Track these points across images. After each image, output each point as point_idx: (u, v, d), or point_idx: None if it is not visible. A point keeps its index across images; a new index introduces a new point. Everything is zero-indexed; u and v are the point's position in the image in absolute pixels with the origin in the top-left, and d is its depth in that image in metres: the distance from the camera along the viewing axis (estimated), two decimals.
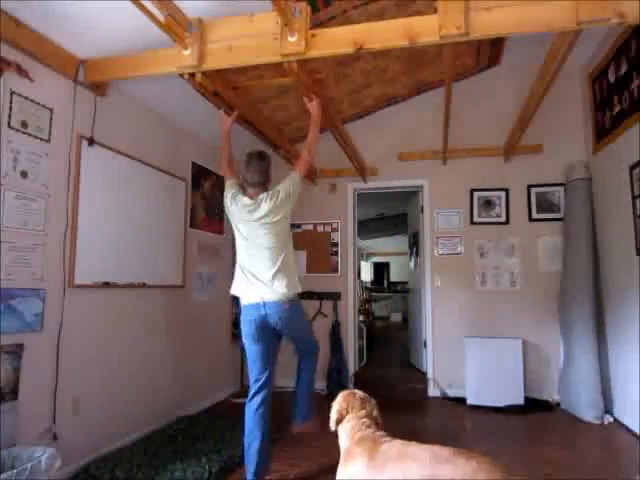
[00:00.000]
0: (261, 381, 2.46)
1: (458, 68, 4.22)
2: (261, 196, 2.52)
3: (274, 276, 2.44)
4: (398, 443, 1.66)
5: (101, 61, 2.73)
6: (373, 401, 1.99)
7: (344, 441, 1.82)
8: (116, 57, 2.70)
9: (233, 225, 2.62)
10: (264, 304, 2.42)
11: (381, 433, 1.76)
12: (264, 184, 2.61)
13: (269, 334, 2.49)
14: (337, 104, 4.31)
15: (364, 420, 1.83)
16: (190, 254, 4.01)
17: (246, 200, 2.53)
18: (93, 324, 2.88)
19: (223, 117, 3.02)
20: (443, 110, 3.64)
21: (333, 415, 1.92)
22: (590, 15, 2.02)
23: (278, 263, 2.46)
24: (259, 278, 2.45)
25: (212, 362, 4.35)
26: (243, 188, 2.66)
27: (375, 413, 1.91)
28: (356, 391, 2.02)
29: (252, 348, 2.49)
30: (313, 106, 2.91)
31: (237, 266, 2.58)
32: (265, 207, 2.47)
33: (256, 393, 2.45)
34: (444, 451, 1.52)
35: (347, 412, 1.89)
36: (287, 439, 3.30)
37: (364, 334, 5.91)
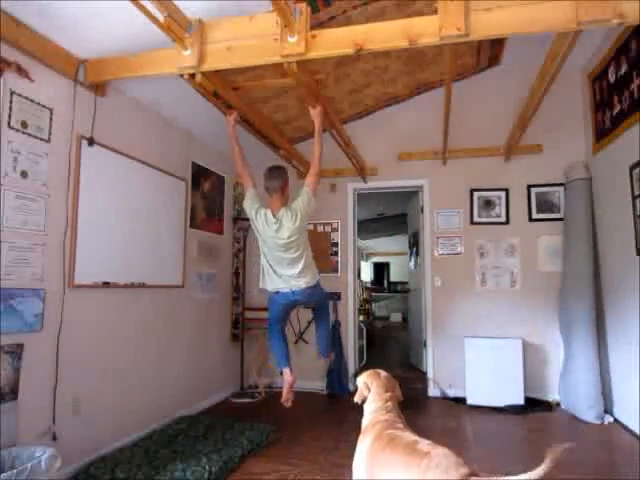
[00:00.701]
0: (280, 327, 3.20)
1: (458, 68, 4.22)
2: (281, 213, 2.88)
3: (299, 274, 2.94)
4: (405, 435, 1.72)
5: (101, 61, 2.73)
6: (395, 381, 2.13)
7: (365, 419, 1.97)
8: (116, 57, 2.70)
9: (257, 234, 3.00)
10: (293, 292, 2.97)
11: (397, 419, 1.89)
12: (283, 191, 2.97)
13: (289, 311, 3.23)
14: (337, 104, 4.31)
15: (387, 405, 1.96)
16: (190, 254, 4.01)
17: (270, 217, 2.89)
18: (93, 324, 2.88)
19: (228, 120, 3.16)
20: (443, 110, 3.63)
21: (358, 394, 2.08)
22: (590, 15, 2.02)
23: (300, 266, 2.93)
24: (287, 275, 2.95)
25: (212, 362, 4.35)
26: (263, 204, 3.02)
27: (398, 392, 2.08)
28: (380, 371, 2.15)
29: (276, 316, 3.15)
30: (316, 114, 2.95)
31: (264, 266, 3.02)
32: (286, 232, 2.85)
33: (279, 330, 3.19)
34: (447, 459, 1.51)
35: (369, 392, 2.05)
36: (287, 439, 3.31)
37: (364, 334, 5.91)
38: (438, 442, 1.65)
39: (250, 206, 2.98)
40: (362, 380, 2.11)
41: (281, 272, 2.95)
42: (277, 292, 3.00)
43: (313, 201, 2.95)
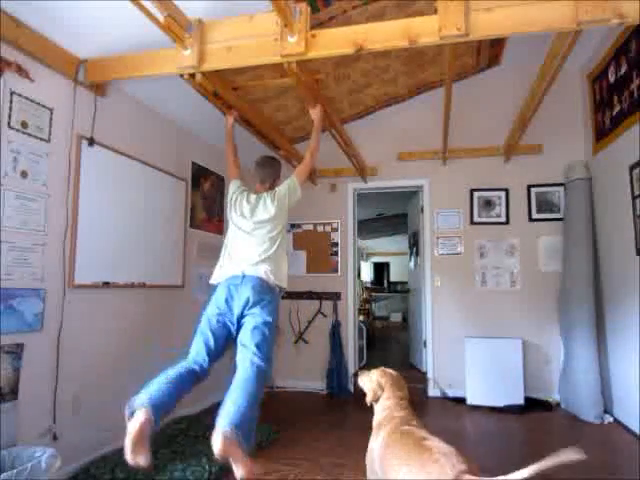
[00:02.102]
0: (199, 365, 2.39)
1: (458, 68, 4.22)
2: (262, 193, 2.75)
3: (259, 259, 2.48)
4: (418, 432, 1.75)
5: (101, 61, 2.73)
6: (404, 381, 2.16)
7: (379, 416, 1.99)
8: (116, 57, 2.70)
9: (230, 213, 2.75)
10: (243, 277, 2.40)
11: (412, 417, 1.91)
12: (273, 180, 2.86)
13: (229, 324, 2.44)
14: (337, 104, 4.31)
15: (402, 402, 1.99)
16: (190, 254, 4.00)
17: (251, 196, 2.73)
18: (93, 324, 2.88)
19: (227, 120, 3.20)
20: (443, 110, 3.63)
21: (369, 394, 2.08)
22: (590, 15, 2.02)
23: (263, 249, 2.53)
24: (245, 257, 2.49)
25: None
26: (249, 188, 2.86)
27: (406, 391, 2.10)
28: (390, 370, 2.17)
29: (205, 325, 2.47)
30: (315, 112, 2.96)
31: (222, 254, 2.64)
32: (261, 211, 2.63)
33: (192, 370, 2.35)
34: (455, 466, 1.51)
35: (382, 391, 2.05)
36: (287, 439, 3.31)
37: (364, 334, 5.91)
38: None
39: (237, 188, 2.84)
40: (374, 379, 2.11)
41: (239, 254, 2.51)
42: (223, 280, 2.47)
43: (298, 191, 2.78)
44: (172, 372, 2.31)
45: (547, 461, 1.40)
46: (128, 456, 2.00)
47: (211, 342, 2.45)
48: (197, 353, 2.42)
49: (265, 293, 2.42)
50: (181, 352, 3.82)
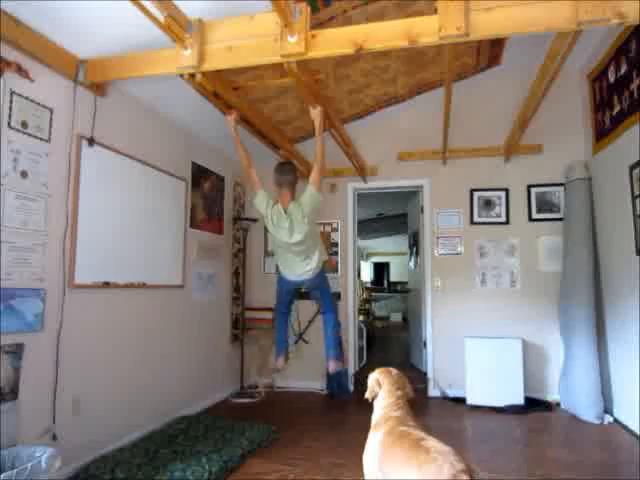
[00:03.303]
0: (284, 306, 3.53)
1: (458, 68, 4.21)
2: (291, 207, 3.08)
3: (308, 265, 3.22)
4: (415, 432, 1.74)
5: (101, 61, 2.72)
6: (405, 379, 2.16)
7: (376, 416, 2.01)
8: (116, 57, 2.69)
9: (270, 231, 3.21)
10: (302, 280, 3.28)
11: (409, 416, 1.92)
12: (292, 186, 3.17)
13: (294, 292, 3.52)
14: (337, 104, 4.31)
15: (399, 402, 2.00)
16: (190, 254, 4.01)
17: (282, 211, 3.09)
18: (93, 324, 2.88)
19: (227, 120, 3.19)
20: (443, 110, 3.63)
21: (369, 390, 2.13)
22: (590, 15, 2.02)
23: (309, 259, 3.21)
24: (298, 266, 3.23)
25: (212, 362, 4.35)
26: (274, 199, 3.19)
27: (408, 390, 2.11)
28: (391, 369, 2.18)
29: (283, 295, 3.50)
30: (316, 114, 2.95)
31: (277, 257, 3.33)
32: (297, 228, 3.07)
33: (283, 312, 3.54)
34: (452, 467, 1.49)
35: (380, 388, 2.08)
36: (287, 439, 3.31)
37: (364, 334, 5.91)
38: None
39: (265, 203, 3.15)
40: (373, 377, 2.14)
41: (292, 268, 3.23)
42: (284, 278, 3.32)
43: (318, 196, 3.10)
44: (281, 325, 3.53)
45: None
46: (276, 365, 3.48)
47: (287, 302, 3.54)
48: (284, 308, 3.53)
49: (315, 280, 3.30)
50: (181, 351, 3.83)
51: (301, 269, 3.23)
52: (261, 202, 3.18)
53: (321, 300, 3.53)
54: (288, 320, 3.59)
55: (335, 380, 4.69)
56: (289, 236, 3.09)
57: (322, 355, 4.81)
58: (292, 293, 3.52)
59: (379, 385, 2.09)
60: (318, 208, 3.18)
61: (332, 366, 3.35)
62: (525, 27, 2.11)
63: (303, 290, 3.65)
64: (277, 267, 3.41)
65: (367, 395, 2.13)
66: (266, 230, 5.08)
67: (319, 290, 3.45)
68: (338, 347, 3.47)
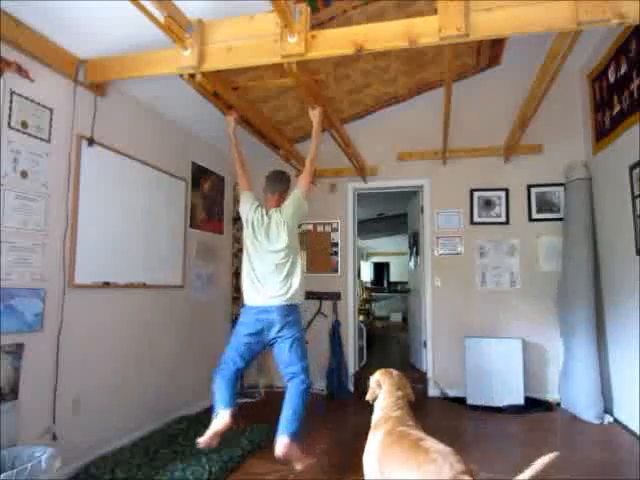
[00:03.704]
0: (235, 360, 2.76)
1: (458, 68, 4.22)
2: (272, 211, 2.86)
3: (281, 283, 2.74)
4: (414, 433, 1.75)
5: (101, 61, 2.73)
6: (406, 380, 2.17)
7: (376, 416, 2.02)
8: (116, 57, 2.70)
9: (247, 234, 2.87)
10: (269, 308, 2.70)
11: (408, 417, 1.93)
12: (282, 194, 2.95)
13: (261, 337, 2.74)
14: (337, 104, 4.31)
15: (399, 402, 2.01)
16: (190, 254, 4.01)
17: (263, 212, 2.86)
18: (93, 324, 2.88)
19: (227, 120, 3.18)
20: (443, 110, 3.63)
21: (370, 391, 2.13)
22: (590, 15, 2.02)
23: (284, 273, 2.75)
24: (268, 289, 2.73)
25: (212, 362, 4.33)
26: (259, 202, 2.97)
27: (408, 390, 2.11)
28: (392, 370, 2.19)
29: (238, 344, 2.77)
30: (315, 114, 2.96)
31: (245, 274, 2.83)
32: (277, 243, 2.76)
33: (232, 366, 2.76)
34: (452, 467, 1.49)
35: (380, 389, 2.09)
36: None
37: (364, 334, 5.91)
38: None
39: (249, 204, 2.93)
40: (374, 378, 2.15)
41: (262, 283, 2.73)
42: (250, 307, 2.74)
43: (304, 205, 2.89)
44: (225, 379, 2.74)
45: (533, 467, 1.42)
46: (204, 440, 2.53)
47: (245, 355, 2.77)
48: (234, 362, 2.75)
49: (289, 315, 2.71)
50: (181, 351, 3.83)
51: (275, 290, 2.67)
52: (245, 203, 2.95)
53: (289, 353, 2.66)
54: (237, 376, 2.77)
55: (335, 380, 4.69)
56: (267, 241, 2.77)
57: (322, 355, 4.84)
58: (255, 339, 2.70)
59: (379, 386, 2.10)
60: (302, 214, 2.91)
61: (283, 449, 2.44)
62: (525, 27, 2.11)
63: (270, 339, 2.71)
64: (243, 295, 2.84)
65: (368, 396, 2.13)
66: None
67: (290, 336, 2.67)
68: (300, 421, 2.60)
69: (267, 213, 2.87)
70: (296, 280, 2.76)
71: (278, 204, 2.91)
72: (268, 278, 2.74)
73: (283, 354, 2.69)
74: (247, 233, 2.88)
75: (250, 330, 2.71)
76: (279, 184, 2.98)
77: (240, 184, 3.12)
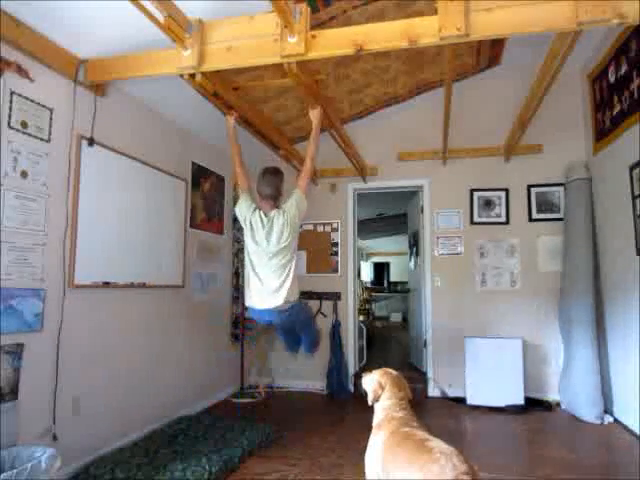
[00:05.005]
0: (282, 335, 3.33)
1: (458, 68, 4.21)
2: (273, 213, 2.84)
3: (279, 287, 2.81)
4: (418, 433, 1.74)
5: (101, 61, 2.72)
6: (405, 381, 2.16)
7: (379, 416, 2.00)
8: (116, 57, 2.69)
9: (246, 237, 2.91)
10: (267, 309, 2.84)
11: (412, 417, 1.92)
12: (275, 198, 2.92)
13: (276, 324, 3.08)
14: (337, 104, 4.31)
15: (402, 402, 2.00)
16: (190, 254, 4.01)
17: (263, 216, 2.86)
18: (93, 324, 2.88)
19: (228, 120, 3.19)
20: (443, 110, 3.63)
21: (370, 394, 2.10)
22: (590, 15, 2.02)
23: (283, 277, 2.81)
24: (267, 287, 2.82)
25: (212, 362, 4.35)
26: (255, 201, 2.98)
27: (407, 391, 2.11)
28: (390, 370, 2.18)
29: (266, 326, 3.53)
30: (315, 115, 2.96)
31: (248, 272, 2.90)
32: (276, 235, 2.80)
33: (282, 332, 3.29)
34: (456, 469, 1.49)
35: (382, 390, 2.06)
36: (287, 439, 3.31)
37: (364, 334, 5.91)
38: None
39: (246, 206, 2.93)
40: (375, 379, 2.12)
41: (262, 282, 2.82)
42: (252, 309, 2.92)
43: (304, 204, 2.90)
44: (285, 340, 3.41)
45: None
46: None
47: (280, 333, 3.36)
48: (283, 338, 3.39)
49: (285, 311, 2.86)
50: (181, 351, 3.83)
51: (272, 292, 2.79)
52: (241, 204, 2.96)
53: (301, 332, 3.19)
54: (292, 336, 3.27)
55: (335, 380, 4.69)
56: (267, 242, 2.80)
57: (322, 355, 4.84)
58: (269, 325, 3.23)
59: (382, 387, 2.07)
60: (302, 214, 2.91)
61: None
62: (525, 27, 2.11)
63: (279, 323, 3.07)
64: (245, 296, 2.98)
65: (370, 400, 2.08)
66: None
67: (295, 322, 3.05)
68: (313, 341, 3.34)
69: (267, 215, 2.85)
70: (289, 282, 2.82)
71: (273, 207, 2.89)
72: (266, 279, 2.81)
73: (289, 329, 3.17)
74: (246, 233, 2.92)
75: (262, 322, 3.12)
76: (271, 188, 2.90)
77: (239, 183, 3.11)
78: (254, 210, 2.90)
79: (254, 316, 3.01)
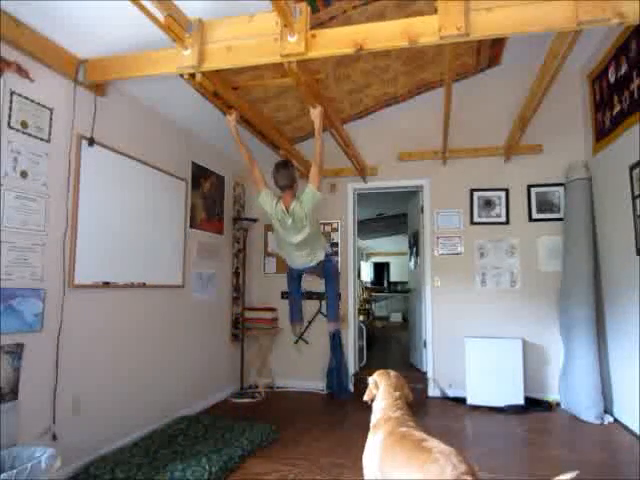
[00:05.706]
0: (294, 286, 3.93)
1: (458, 68, 4.21)
2: (292, 205, 3.17)
3: (310, 256, 3.44)
4: (416, 433, 1.74)
5: (101, 61, 2.72)
6: (404, 381, 2.16)
7: (376, 416, 2.01)
8: (116, 57, 2.69)
9: (275, 227, 3.38)
10: (304, 269, 3.58)
11: (408, 417, 1.92)
12: (292, 186, 3.24)
13: (301, 275, 3.82)
14: (337, 104, 4.31)
15: (397, 402, 2.00)
16: (190, 254, 4.01)
17: (284, 210, 3.21)
18: (93, 324, 2.88)
19: (228, 120, 3.21)
20: (443, 110, 3.63)
21: (367, 392, 2.14)
22: (590, 15, 2.02)
23: (312, 252, 3.42)
24: (301, 259, 3.47)
25: (212, 362, 4.35)
26: (277, 198, 3.29)
27: (406, 391, 2.10)
28: (389, 371, 2.19)
29: (291, 278, 3.88)
30: (316, 114, 2.96)
31: (281, 248, 3.54)
32: (303, 234, 3.25)
33: (294, 289, 3.94)
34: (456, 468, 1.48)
35: (377, 390, 2.09)
36: (287, 439, 3.31)
37: (364, 334, 5.91)
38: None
39: (269, 202, 3.26)
40: (372, 380, 2.15)
41: (294, 258, 3.48)
42: (290, 265, 3.63)
43: (318, 194, 3.17)
44: (291, 302, 4.01)
45: None
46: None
47: (296, 284, 3.92)
48: (294, 289, 3.94)
49: (320, 265, 3.52)
50: (181, 351, 3.83)
51: (302, 262, 3.47)
52: (265, 201, 3.28)
53: (326, 278, 3.76)
54: (299, 298, 3.98)
55: (335, 380, 4.69)
56: (292, 236, 3.26)
57: (322, 355, 4.84)
58: (300, 275, 3.81)
59: (377, 387, 2.09)
60: (319, 206, 3.24)
61: (331, 327, 3.94)
62: (525, 27, 2.11)
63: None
64: (283, 256, 3.63)
65: (365, 397, 2.14)
66: (266, 230, 5.12)
67: (324, 274, 3.71)
68: (336, 310, 3.85)
69: (288, 211, 3.19)
70: (318, 253, 3.45)
71: (293, 197, 3.22)
72: (298, 256, 3.44)
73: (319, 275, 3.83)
74: (276, 226, 3.35)
75: (294, 275, 3.79)
76: (286, 179, 3.20)
77: (256, 183, 3.33)
78: (276, 204, 3.23)
79: (291, 270, 3.71)
